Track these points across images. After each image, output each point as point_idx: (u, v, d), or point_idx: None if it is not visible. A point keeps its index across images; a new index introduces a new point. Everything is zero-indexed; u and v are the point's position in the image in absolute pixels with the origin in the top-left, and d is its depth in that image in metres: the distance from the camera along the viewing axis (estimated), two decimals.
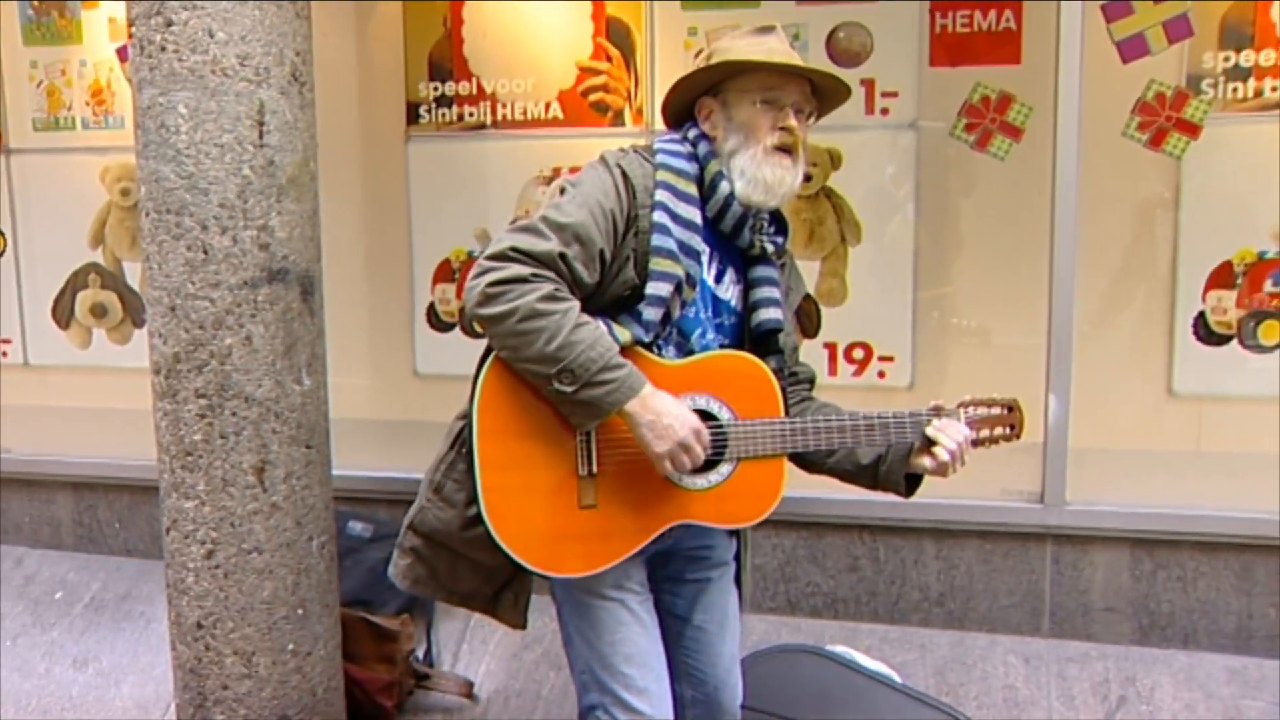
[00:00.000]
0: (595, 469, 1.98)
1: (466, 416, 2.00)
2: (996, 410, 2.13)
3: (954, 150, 3.25)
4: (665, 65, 3.38)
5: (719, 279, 2.12)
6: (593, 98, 3.47)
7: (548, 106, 3.50)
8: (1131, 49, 3.08)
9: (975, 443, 2.09)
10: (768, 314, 2.10)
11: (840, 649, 2.97)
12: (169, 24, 2.45)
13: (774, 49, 2.05)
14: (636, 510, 1.99)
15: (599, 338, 1.88)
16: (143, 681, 3.39)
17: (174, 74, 2.46)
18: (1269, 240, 3.09)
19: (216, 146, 2.48)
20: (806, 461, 2.20)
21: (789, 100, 2.05)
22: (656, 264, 1.97)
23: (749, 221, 2.07)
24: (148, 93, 2.50)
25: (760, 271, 2.13)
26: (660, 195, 2.00)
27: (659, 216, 1.99)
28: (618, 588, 2.08)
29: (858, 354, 3.37)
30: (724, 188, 2.04)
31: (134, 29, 2.51)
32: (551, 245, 1.89)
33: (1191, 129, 3.08)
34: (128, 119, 3.85)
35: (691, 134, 2.10)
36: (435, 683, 3.20)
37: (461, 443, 2.04)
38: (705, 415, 2.02)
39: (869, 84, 3.27)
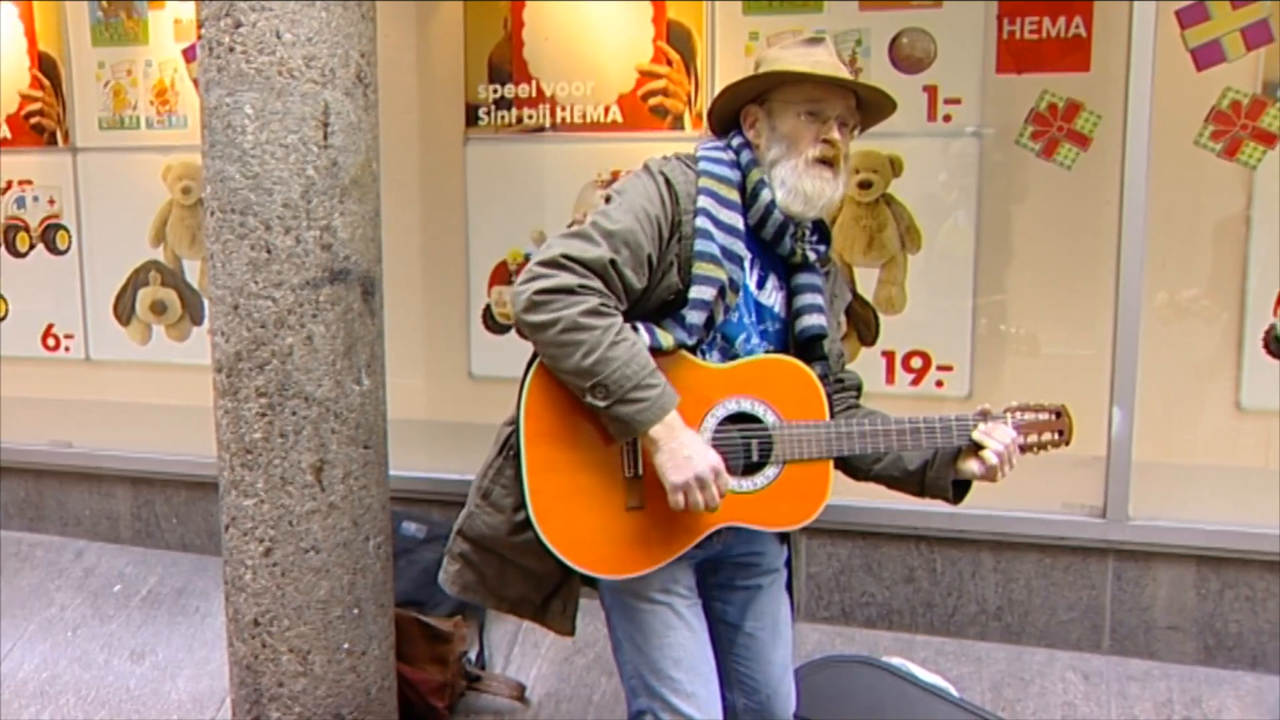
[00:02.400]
0: (641, 471, 1.99)
1: (514, 422, 2.01)
2: (1044, 415, 2.12)
3: (1018, 158, 3.19)
4: (726, 70, 3.36)
5: (761, 285, 2.13)
6: (652, 101, 3.45)
7: (607, 110, 3.50)
8: (1207, 56, 3.00)
9: (1023, 448, 2.09)
10: (811, 320, 2.11)
11: (896, 660, 2.94)
12: (238, 25, 2.47)
13: (820, 61, 2.07)
14: (683, 512, 1.98)
15: (634, 356, 1.88)
16: (198, 676, 3.43)
17: (241, 75, 2.48)
18: None
19: (281, 147, 2.50)
20: (853, 467, 2.20)
21: (833, 113, 2.07)
22: (699, 268, 1.99)
23: (790, 230, 2.08)
24: (215, 93, 2.52)
25: (803, 279, 2.15)
26: (703, 201, 2.03)
27: (702, 222, 2.01)
28: (665, 591, 2.09)
29: (915, 363, 3.33)
30: (765, 195, 2.06)
31: (203, 30, 2.53)
32: (602, 251, 1.91)
33: (1268, 138, 2.99)
34: (190, 118, 3.90)
35: (735, 141, 2.13)
36: (487, 685, 3.21)
37: (509, 448, 2.06)
38: (750, 418, 2.04)
39: (931, 90, 3.22)
